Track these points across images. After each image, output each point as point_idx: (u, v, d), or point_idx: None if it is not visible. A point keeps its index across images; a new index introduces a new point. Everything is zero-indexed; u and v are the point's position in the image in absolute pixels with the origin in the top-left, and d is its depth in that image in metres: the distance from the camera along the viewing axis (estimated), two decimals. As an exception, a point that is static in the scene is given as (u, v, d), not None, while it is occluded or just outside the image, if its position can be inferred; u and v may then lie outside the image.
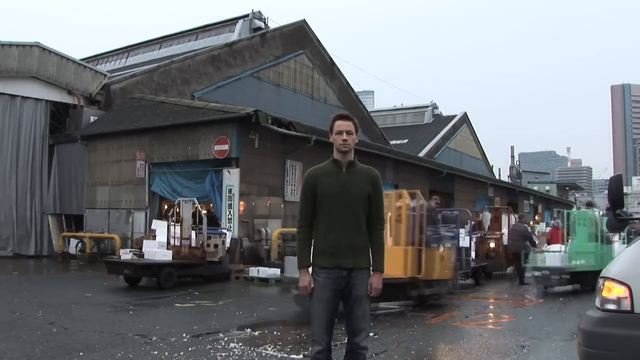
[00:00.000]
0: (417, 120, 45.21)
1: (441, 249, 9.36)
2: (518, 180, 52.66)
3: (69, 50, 21.09)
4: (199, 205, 12.98)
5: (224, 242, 13.33)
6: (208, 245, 12.70)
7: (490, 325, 7.94)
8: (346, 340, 3.58)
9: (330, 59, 29.55)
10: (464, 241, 12.83)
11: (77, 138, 19.26)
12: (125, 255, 12.84)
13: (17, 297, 9.58)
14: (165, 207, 17.38)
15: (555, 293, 11.64)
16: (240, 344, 6.07)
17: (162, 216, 16.39)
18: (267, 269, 12.94)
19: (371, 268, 3.55)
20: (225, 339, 6.34)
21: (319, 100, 28.42)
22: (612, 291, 3.53)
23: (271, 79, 25.82)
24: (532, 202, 41.18)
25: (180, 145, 16.45)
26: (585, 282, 11.20)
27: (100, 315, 8.03)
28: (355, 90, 31.83)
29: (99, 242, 17.76)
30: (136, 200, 17.62)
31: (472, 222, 15.17)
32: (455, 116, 44.15)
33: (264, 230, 15.66)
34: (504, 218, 17.91)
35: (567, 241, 12.82)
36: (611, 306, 3.52)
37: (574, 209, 20.46)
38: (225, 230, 14.17)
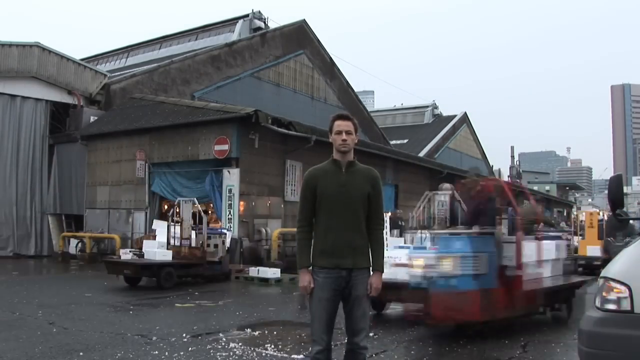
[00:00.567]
0: (417, 120, 45.18)
1: None
2: (518, 180, 52.61)
3: (69, 51, 21.06)
4: (199, 205, 12.99)
5: (224, 242, 13.34)
6: (208, 245, 12.70)
7: (491, 325, 7.92)
8: (346, 340, 3.58)
9: (330, 59, 29.56)
10: None
11: (77, 138, 19.27)
12: (125, 255, 12.85)
13: (17, 297, 9.58)
14: (165, 207, 17.39)
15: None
16: (240, 344, 6.07)
17: (162, 216, 16.40)
18: (267, 269, 12.94)
19: (371, 268, 3.55)
20: (225, 339, 6.34)
21: (319, 100, 28.42)
22: (612, 291, 3.53)
23: (271, 79, 25.83)
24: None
25: (180, 145, 16.46)
26: None
27: (100, 315, 8.03)
28: (355, 90, 31.83)
29: (99, 242, 17.77)
30: (136, 200, 17.63)
31: None
32: (455, 116, 44.13)
33: (264, 230, 15.67)
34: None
35: None
36: (611, 306, 3.52)
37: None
38: (225, 230, 14.18)
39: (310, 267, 3.54)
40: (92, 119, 19.76)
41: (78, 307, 8.69)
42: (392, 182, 21.93)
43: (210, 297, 10.16)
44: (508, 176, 53.28)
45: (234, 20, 28.41)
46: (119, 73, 24.42)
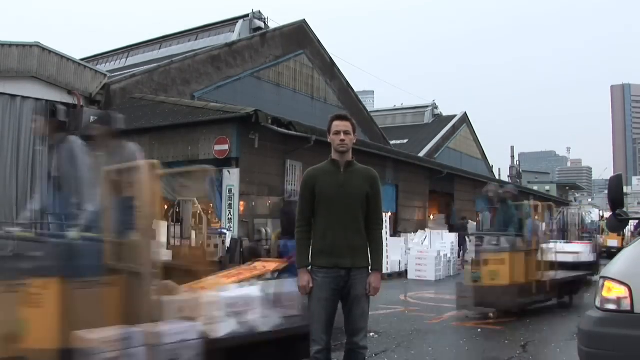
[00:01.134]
0: (417, 120, 45.17)
1: None
2: (518, 180, 52.60)
3: (69, 51, 21.05)
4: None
5: (224, 242, 13.33)
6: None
7: (491, 325, 7.92)
8: (345, 340, 3.58)
9: (330, 59, 29.55)
10: None
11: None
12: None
13: (17, 297, 9.56)
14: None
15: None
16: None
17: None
18: (267, 269, 12.91)
19: (370, 268, 3.55)
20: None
21: (319, 100, 28.41)
22: (612, 291, 3.53)
23: (271, 79, 25.81)
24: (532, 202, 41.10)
25: (180, 145, 16.45)
26: None
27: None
28: (355, 90, 31.82)
29: (99, 242, 17.73)
30: (136, 200, 17.60)
31: None
32: (455, 116, 44.13)
33: (264, 230, 15.66)
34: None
35: None
36: (611, 306, 3.51)
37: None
38: (225, 230, 14.18)
39: (310, 267, 3.54)
40: (92, 119, 19.75)
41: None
42: (392, 182, 21.92)
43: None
44: (508, 176, 53.40)
45: (234, 20, 28.40)
46: (119, 73, 24.40)
